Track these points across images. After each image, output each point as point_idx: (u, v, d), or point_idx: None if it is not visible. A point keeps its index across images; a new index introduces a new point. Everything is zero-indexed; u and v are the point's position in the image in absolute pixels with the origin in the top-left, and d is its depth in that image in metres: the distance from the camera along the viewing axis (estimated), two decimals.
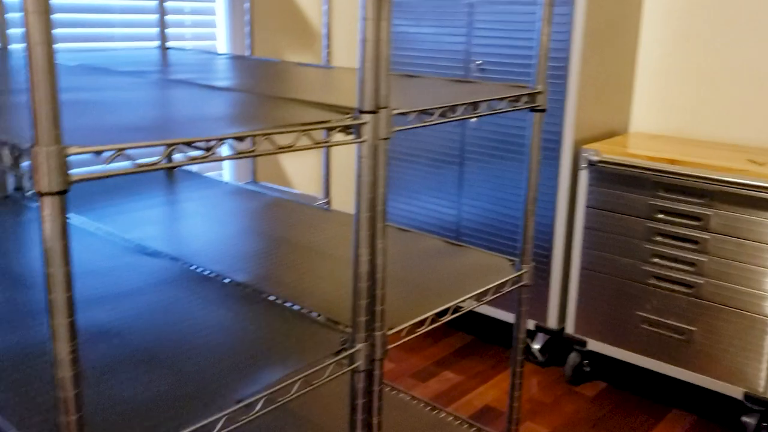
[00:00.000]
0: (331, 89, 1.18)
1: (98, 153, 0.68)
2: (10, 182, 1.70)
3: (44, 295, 0.97)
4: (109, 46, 2.23)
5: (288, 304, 1.13)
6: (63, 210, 0.64)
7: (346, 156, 3.09)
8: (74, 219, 1.47)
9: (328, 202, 1.74)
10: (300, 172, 2.93)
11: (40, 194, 0.63)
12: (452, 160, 2.54)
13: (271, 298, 1.15)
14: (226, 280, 1.20)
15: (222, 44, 2.55)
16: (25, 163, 0.67)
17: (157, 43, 2.26)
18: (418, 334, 1.08)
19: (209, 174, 2.03)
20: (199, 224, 1.47)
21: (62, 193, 0.64)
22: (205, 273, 1.23)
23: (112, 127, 0.79)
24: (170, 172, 1.90)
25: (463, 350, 2.64)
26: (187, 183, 1.80)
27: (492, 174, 2.44)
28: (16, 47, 1.97)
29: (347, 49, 2.97)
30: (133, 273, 1.21)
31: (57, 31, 2.09)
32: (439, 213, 2.62)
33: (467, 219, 2.55)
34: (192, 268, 1.25)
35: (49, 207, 0.63)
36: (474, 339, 2.72)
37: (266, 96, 1.09)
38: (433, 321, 1.10)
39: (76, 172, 0.65)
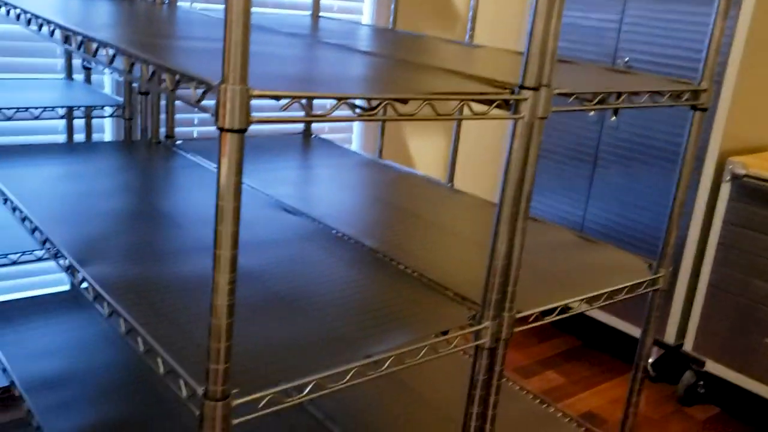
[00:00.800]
0: (481, 65, 1.17)
1: (277, 98, 0.71)
2: (162, 131, 1.81)
3: (213, 228, 1.02)
4: (263, 11, 2.32)
5: (415, 274, 1.14)
6: (241, 148, 0.67)
7: (472, 141, 3.07)
8: (213, 168, 1.55)
9: (452, 185, 1.74)
10: (423, 155, 2.94)
11: (222, 130, 0.67)
12: (585, 158, 2.47)
13: (400, 266, 1.17)
14: (358, 244, 1.23)
15: (366, 17, 2.59)
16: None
17: (308, 12, 2.32)
18: (545, 322, 1.06)
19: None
20: (333, 189, 1.51)
21: (242, 131, 0.67)
22: (339, 234, 1.26)
23: (285, 77, 0.82)
24: (307, 137, 1.96)
25: (568, 353, 2.58)
26: (322, 150, 1.85)
27: (626, 177, 2.36)
28: (183, 3, 2.08)
29: (491, 31, 2.94)
30: (274, 226, 1.26)
31: None
32: (563, 211, 2.56)
33: (592, 221, 2.48)
34: (326, 228, 1.28)
35: (229, 143, 0.67)
36: (581, 343, 2.65)
37: (420, 65, 1.10)
38: (562, 311, 1.08)
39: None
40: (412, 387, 1.44)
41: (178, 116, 2.10)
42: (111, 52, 0.88)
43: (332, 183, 1.55)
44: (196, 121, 2.24)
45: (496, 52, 1.48)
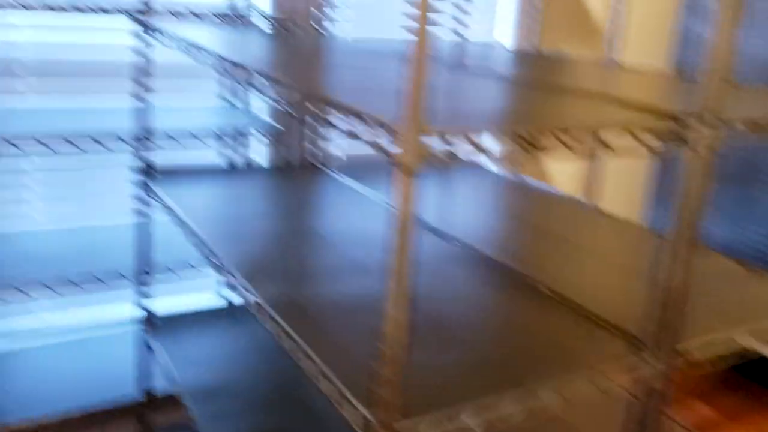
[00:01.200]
0: (644, 91, 1.14)
1: (448, 137, 0.73)
2: (316, 154, 1.90)
3: (368, 249, 1.06)
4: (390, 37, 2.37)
5: (570, 303, 1.13)
6: (416, 184, 0.70)
7: (613, 163, 2.98)
8: (364, 190, 1.60)
9: (596, 207, 1.70)
10: (558, 173, 2.88)
11: (400, 168, 0.70)
12: (747, 180, 2.33)
13: (552, 294, 1.16)
14: (506, 267, 1.23)
15: (502, 36, 2.58)
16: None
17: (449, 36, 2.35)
18: (718, 366, 1.02)
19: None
20: (477, 209, 1.52)
21: (417, 170, 0.70)
22: (486, 257, 1.27)
23: (451, 113, 0.84)
24: None
25: (717, 383, 2.43)
26: (462, 169, 1.87)
27: None
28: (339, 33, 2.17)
29: (634, 48, 2.84)
30: (421, 247, 1.29)
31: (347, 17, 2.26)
32: (718, 236, 2.43)
33: (752, 247, 2.32)
34: (473, 250, 1.29)
35: (405, 181, 0.70)
36: (732, 373, 2.49)
37: (577, 91, 1.09)
38: (739, 355, 1.03)
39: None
40: (562, 418, 1.41)
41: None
42: (293, 94, 0.94)
43: (475, 203, 1.56)
44: (345, 145, 2.32)
45: (652, 75, 1.44)
